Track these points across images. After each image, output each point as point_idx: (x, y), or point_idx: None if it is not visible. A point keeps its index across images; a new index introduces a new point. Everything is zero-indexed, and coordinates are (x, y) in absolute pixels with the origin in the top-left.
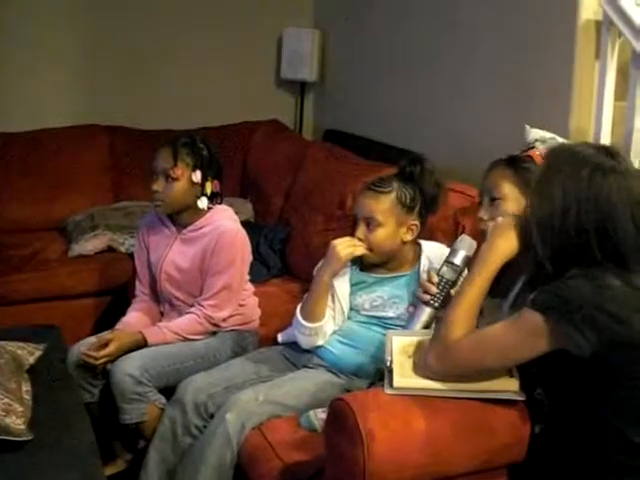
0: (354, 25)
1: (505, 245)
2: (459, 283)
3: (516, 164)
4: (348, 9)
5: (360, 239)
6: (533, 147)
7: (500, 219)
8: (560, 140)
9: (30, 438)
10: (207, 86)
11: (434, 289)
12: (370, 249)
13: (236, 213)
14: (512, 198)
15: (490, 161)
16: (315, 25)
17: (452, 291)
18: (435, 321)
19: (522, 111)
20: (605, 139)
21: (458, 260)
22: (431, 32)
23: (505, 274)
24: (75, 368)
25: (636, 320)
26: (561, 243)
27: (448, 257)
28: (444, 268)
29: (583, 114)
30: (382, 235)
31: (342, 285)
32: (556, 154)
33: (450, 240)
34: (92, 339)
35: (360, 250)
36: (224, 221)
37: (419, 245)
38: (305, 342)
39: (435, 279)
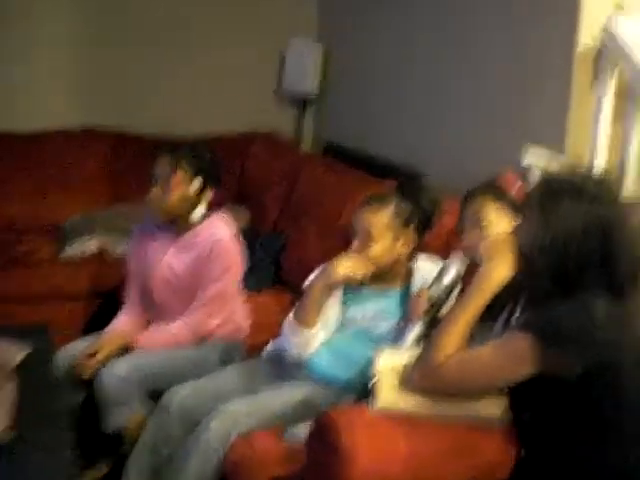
0: (357, 39)
1: (501, 272)
2: (449, 302)
3: (492, 190)
4: (352, 23)
5: (356, 252)
6: (507, 173)
7: (491, 242)
8: (558, 161)
9: (12, 439)
10: (209, 95)
11: (424, 306)
12: (369, 271)
13: (232, 221)
14: (497, 221)
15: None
16: (318, 38)
17: (442, 310)
18: (424, 339)
19: (520, 133)
20: (601, 164)
21: (449, 279)
22: (434, 50)
23: (497, 298)
24: (62, 372)
25: (623, 345)
26: (560, 269)
27: (439, 275)
28: (435, 286)
29: (580, 137)
30: (378, 249)
31: (333, 297)
32: (553, 183)
33: (443, 258)
34: (82, 343)
35: (359, 276)
36: (220, 229)
37: (414, 261)
38: (295, 351)
39: (426, 296)
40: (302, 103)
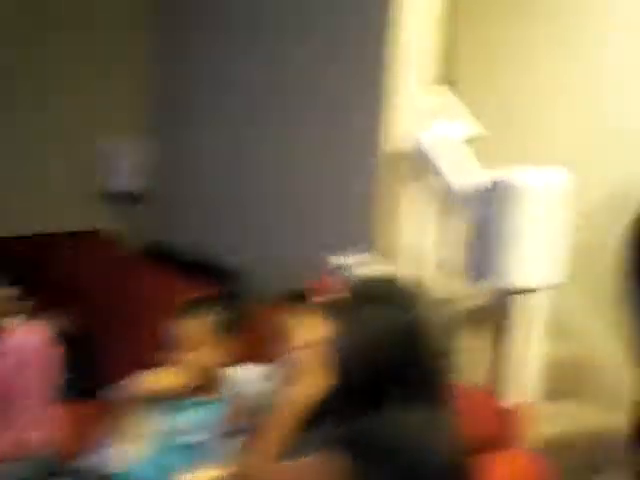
0: (182, 138)
1: (308, 388)
2: (265, 412)
3: (299, 298)
4: (177, 122)
5: (175, 361)
6: (317, 279)
7: (299, 355)
8: (367, 264)
9: None
10: (30, 194)
11: (239, 418)
12: (188, 381)
13: (46, 327)
14: (306, 331)
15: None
16: (143, 135)
17: (257, 421)
18: (237, 452)
19: (332, 237)
20: (409, 266)
21: (265, 389)
22: (252, 148)
23: (317, 408)
24: None
25: (435, 453)
26: (369, 380)
27: (256, 385)
28: (251, 397)
29: (389, 240)
30: (197, 357)
31: (150, 408)
32: (359, 289)
33: (261, 365)
34: None
35: (176, 387)
36: (30, 337)
37: (232, 369)
38: (109, 465)
39: (240, 408)
40: (127, 201)
